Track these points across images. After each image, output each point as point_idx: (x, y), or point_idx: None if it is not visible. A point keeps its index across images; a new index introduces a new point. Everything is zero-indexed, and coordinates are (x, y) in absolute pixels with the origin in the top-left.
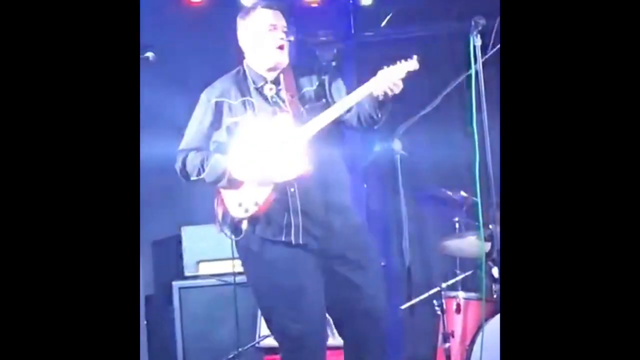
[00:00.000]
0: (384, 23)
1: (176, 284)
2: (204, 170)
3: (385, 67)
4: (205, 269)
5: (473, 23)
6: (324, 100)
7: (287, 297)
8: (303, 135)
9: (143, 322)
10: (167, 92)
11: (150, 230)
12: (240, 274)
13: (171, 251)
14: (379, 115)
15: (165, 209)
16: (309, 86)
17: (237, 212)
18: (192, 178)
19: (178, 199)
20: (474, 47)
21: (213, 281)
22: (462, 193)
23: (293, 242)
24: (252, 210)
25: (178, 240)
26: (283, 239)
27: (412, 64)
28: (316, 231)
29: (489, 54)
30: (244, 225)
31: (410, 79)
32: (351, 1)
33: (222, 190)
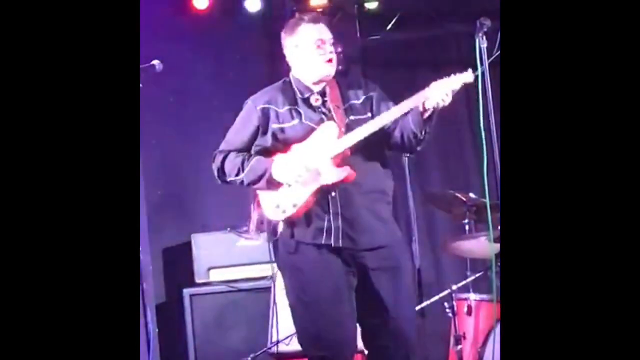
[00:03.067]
0: (389, 26)
1: (187, 291)
2: (243, 171)
3: (438, 79)
4: (215, 275)
5: (478, 24)
6: (369, 114)
7: (324, 304)
8: (347, 142)
9: (155, 330)
10: (176, 100)
11: (160, 238)
12: (249, 280)
13: (182, 258)
14: (423, 133)
15: (175, 216)
16: (355, 100)
17: (274, 214)
18: (229, 179)
19: (188, 207)
20: (480, 48)
21: (224, 287)
22: (471, 194)
23: (333, 244)
24: (290, 212)
25: (188, 248)
26: (322, 242)
27: (468, 76)
28: (356, 236)
29: (495, 55)
30: (280, 227)
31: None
32: (356, 5)
33: (259, 193)
